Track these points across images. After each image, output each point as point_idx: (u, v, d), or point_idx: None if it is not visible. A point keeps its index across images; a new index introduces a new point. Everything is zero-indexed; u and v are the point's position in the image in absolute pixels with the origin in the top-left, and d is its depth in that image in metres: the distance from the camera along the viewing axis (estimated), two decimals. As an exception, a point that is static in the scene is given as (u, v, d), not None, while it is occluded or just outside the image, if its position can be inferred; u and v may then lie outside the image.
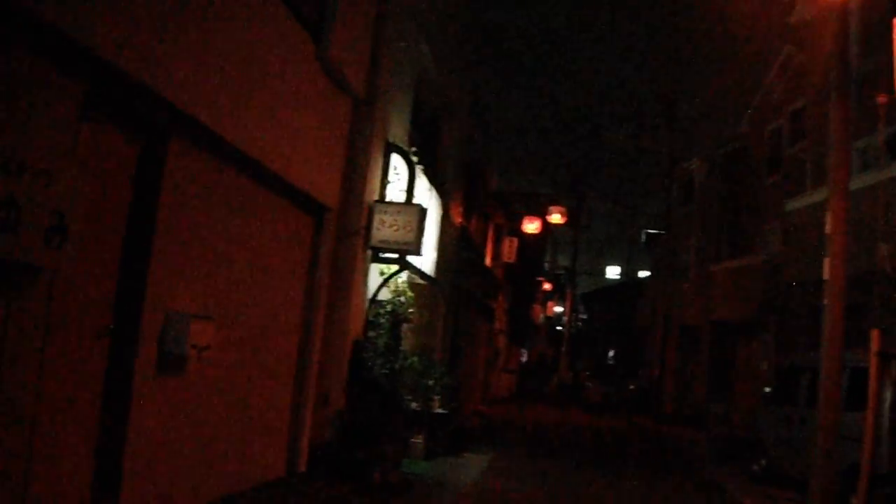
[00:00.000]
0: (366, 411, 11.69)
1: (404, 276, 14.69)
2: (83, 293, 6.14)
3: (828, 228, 12.36)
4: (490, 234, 31.11)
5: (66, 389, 5.98)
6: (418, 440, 14.66)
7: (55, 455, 5.93)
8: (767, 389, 16.37)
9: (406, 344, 15.41)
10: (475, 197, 25.49)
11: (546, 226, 32.89)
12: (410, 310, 13.63)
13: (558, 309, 59.43)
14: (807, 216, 18.81)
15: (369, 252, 12.43)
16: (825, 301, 12.21)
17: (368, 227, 12.14)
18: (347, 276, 11.81)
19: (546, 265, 52.71)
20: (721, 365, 29.34)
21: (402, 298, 13.32)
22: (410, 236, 12.04)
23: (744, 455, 18.73)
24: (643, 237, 59.23)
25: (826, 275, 12.25)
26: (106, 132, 6.23)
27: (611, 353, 63.76)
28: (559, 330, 61.31)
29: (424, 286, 16.49)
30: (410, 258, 12.80)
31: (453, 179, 20.46)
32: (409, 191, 12.82)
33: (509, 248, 32.74)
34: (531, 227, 31.92)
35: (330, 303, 11.58)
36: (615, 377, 47.08)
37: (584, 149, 49.11)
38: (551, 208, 32.16)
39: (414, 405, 14.81)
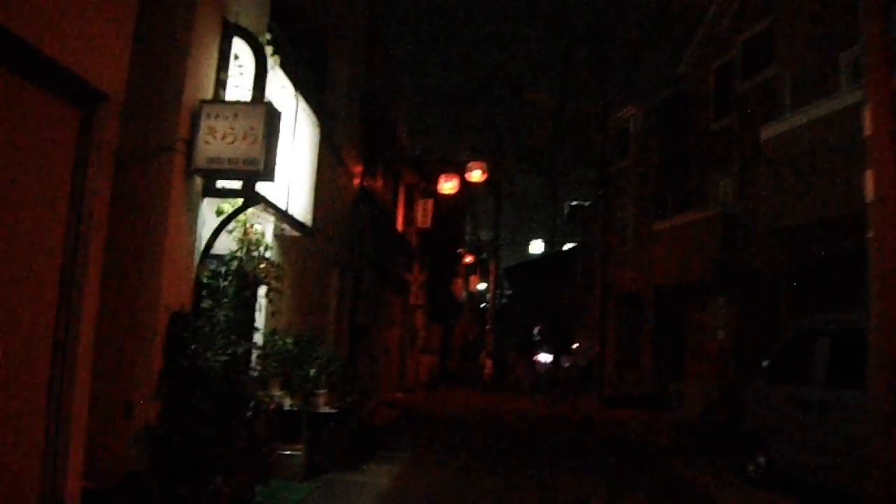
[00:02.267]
0: (191, 422, 7.54)
1: (269, 227, 10.59)
2: None
3: (867, 130, 8.72)
4: (401, 195, 27.00)
5: None
6: (295, 452, 10.58)
7: None
8: (765, 363, 12.44)
9: (280, 321, 11.34)
10: (379, 149, 21.37)
11: (465, 186, 28.77)
12: (272, 269, 9.33)
13: (482, 286, 55.41)
14: (792, 143, 14.94)
15: (198, 180, 8.24)
16: (869, 234, 8.51)
17: (192, 140, 7.95)
18: (157, 216, 7.65)
19: (467, 237, 48.80)
20: (670, 336, 25.70)
21: (256, 252, 9.09)
22: (253, 150, 7.82)
23: (720, 446, 15.11)
24: (566, 209, 56.16)
25: (870, 193, 8.54)
26: None
27: (536, 330, 60.15)
28: (484, 307, 57.53)
29: (306, 242, 12.36)
30: (265, 190, 8.61)
31: (348, 122, 16.47)
32: (258, 88, 8.59)
33: (424, 211, 28.61)
34: (448, 185, 27.78)
35: (122, 257, 7.44)
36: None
37: (504, 109, 45.11)
38: (470, 164, 27.96)
39: (288, 403, 10.73)
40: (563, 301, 47.33)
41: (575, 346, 41.33)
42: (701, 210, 23.26)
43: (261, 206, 9.07)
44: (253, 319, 9.39)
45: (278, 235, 11.07)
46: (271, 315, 10.13)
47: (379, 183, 22.46)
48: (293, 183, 10.00)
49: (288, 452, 10.56)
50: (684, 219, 23.78)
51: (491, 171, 35.31)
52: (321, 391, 11.25)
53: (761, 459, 11.67)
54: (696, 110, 25.72)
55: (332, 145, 14.75)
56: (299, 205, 10.51)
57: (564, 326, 46.73)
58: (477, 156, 28.92)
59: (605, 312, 28.10)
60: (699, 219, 22.84)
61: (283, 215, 9.69)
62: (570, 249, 54.21)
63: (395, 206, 25.77)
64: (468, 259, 46.01)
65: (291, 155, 9.88)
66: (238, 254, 8.79)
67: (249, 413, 8.66)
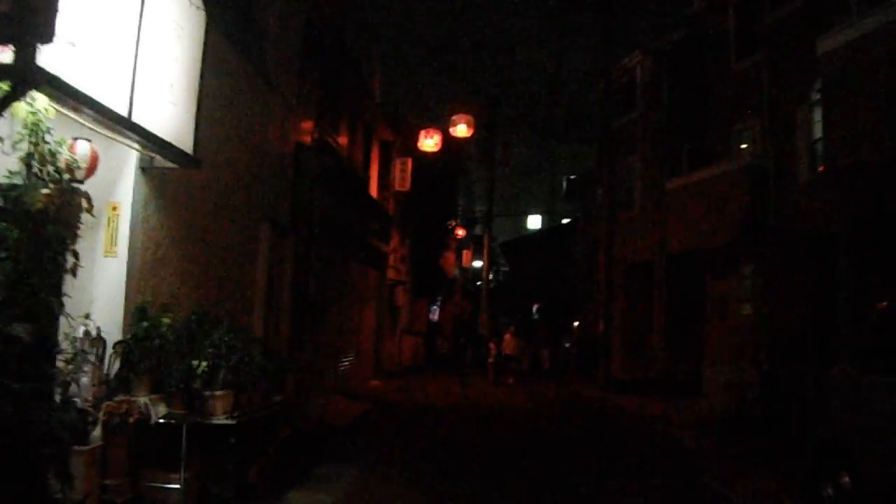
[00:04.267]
0: None
1: (132, 157, 7.24)
2: None
3: None
4: (375, 154, 23.49)
5: None
6: (171, 486, 7.20)
7: None
8: (854, 346, 8.92)
9: (159, 293, 7.99)
10: (340, 93, 17.93)
11: (456, 155, 25.22)
12: (59, 198, 5.71)
13: (478, 263, 51.43)
14: (865, 52, 11.42)
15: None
16: None
17: None
18: None
19: (459, 211, 45.21)
20: (685, 312, 22.25)
21: (50, 171, 5.61)
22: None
23: (768, 452, 11.76)
24: (565, 184, 53.25)
25: None
26: None
27: (535, 308, 56.71)
28: (480, 285, 53.95)
29: (204, 184, 8.96)
30: (75, 77, 5.18)
31: (284, 42, 13.09)
32: None
33: (402, 171, 25.01)
34: (429, 142, 24.22)
35: None
36: (543, 335, 39.30)
37: (497, 70, 40.66)
38: (455, 117, 24.28)
39: (161, 413, 7.32)
40: (563, 277, 43.90)
41: (576, 324, 37.92)
42: (723, 164, 19.81)
43: (86, 114, 5.68)
44: (58, 285, 5.86)
45: (147, 168, 7.63)
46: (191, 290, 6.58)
47: (343, 135, 19.04)
48: (143, 83, 6.53)
49: (169, 486, 7.21)
50: (703, 174, 20.31)
51: (484, 135, 31.87)
52: (218, 392, 7.80)
53: (845, 480, 8.20)
54: (713, 52, 22.32)
55: (252, 62, 11.29)
56: (163, 119, 7.04)
57: (565, 304, 43.34)
58: (462, 109, 25.17)
59: (610, 286, 24.53)
60: (721, 173, 19.44)
61: (114, 121, 6.17)
62: (570, 223, 50.92)
63: (366, 165, 22.34)
64: (460, 233, 42.43)
65: (134, 39, 6.40)
66: (17, 180, 5.32)
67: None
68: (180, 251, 8.64)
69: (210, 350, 7.84)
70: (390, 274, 25.45)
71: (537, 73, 36.08)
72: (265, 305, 11.68)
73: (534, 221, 67.30)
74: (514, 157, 44.44)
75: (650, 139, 25.34)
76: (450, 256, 40.08)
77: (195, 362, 7.63)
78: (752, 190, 18.23)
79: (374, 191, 23.10)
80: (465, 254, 45.80)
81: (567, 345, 33.61)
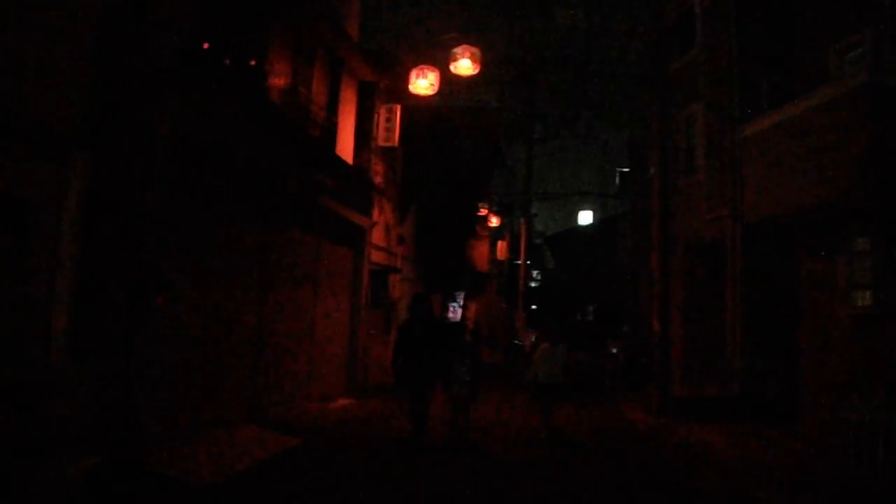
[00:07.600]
0: None
1: None
2: None
3: None
4: (350, 97, 17.74)
5: None
6: None
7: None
8: None
9: None
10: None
11: (445, 82, 19.15)
12: None
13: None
14: None
15: None
16: None
17: None
18: None
19: (496, 197, 39.36)
20: (768, 307, 16.30)
21: None
22: None
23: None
24: (617, 178, 49.03)
25: None
26: None
27: (591, 309, 51.49)
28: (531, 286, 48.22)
29: None
30: None
31: None
32: None
33: (388, 122, 19.06)
34: (423, 83, 18.13)
35: None
36: (590, 339, 33.05)
37: (532, 34, 34.52)
38: (456, 51, 18.17)
39: None
40: (613, 274, 38.72)
41: (625, 328, 32.09)
42: (826, 89, 13.60)
43: None
44: None
45: None
46: None
47: (278, 51, 13.36)
48: None
49: None
50: (795, 109, 14.02)
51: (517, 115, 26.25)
52: None
53: None
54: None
55: None
56: None
57: (615, 305, 37.90)
58: (465, 39, 19.10)
59: (666, 273, 18.20)
60: (824, 103, 13.18)
61: None
62: (622, 214, 45.42)
63: (332, 108, 16.69)
64: (494, 221, 36.27)
65: None
66: None
67: None
68: None
69: None
70: (376, 257, 19.47)
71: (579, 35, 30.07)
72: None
73: (585, 217, 62.81)
74: (555, 136, 38.63)
75: (716, 79, 19.19)
76: (479, 246, 34.00)
77: None
78: (872, 122, 12.15)
79: (347, 145, 17.49)
80: (501, 245, 39.73)
81: (614, 351, 27.32)
